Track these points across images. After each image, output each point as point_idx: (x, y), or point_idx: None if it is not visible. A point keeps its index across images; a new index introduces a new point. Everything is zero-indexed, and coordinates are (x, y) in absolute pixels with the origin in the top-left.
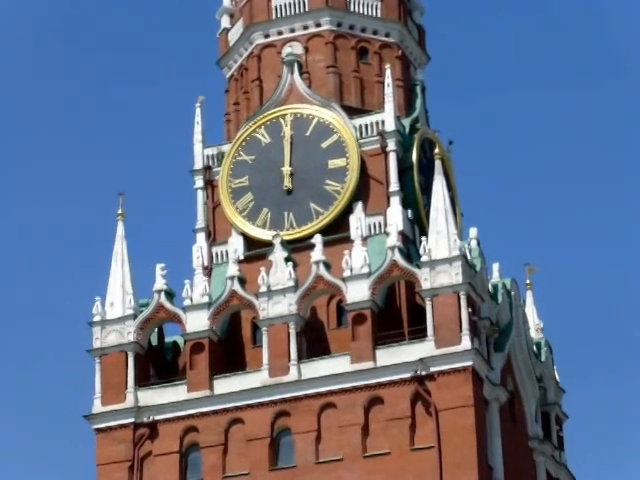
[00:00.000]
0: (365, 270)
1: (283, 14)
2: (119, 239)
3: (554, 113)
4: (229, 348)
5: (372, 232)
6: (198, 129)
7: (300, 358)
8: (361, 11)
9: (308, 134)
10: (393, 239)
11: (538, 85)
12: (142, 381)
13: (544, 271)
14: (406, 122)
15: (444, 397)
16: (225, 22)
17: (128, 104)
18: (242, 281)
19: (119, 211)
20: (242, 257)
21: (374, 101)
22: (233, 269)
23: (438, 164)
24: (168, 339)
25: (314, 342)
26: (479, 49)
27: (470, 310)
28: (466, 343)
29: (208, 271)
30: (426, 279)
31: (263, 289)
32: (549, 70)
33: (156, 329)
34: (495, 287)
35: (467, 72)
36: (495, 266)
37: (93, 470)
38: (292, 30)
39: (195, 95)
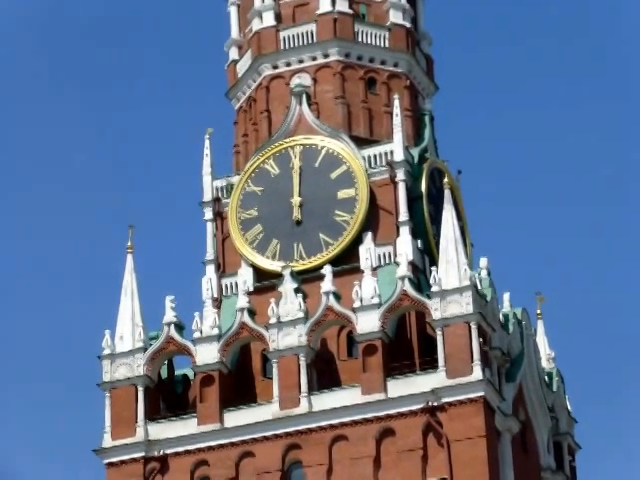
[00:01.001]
0: (375, 300)
1: (291, 45)
2: (128, 272)
3: (564, 140)
4: (239, 380)
5: (382, 262)
6: (207, 161)
7: (311, 390)
8: (369, 41)
9: (317, 165)
10: (403, 269)
11: (548, 113)
12: (152, 414)
13: (555, 300)
14: (415, 152)
15: (456, 428)
16: (233, 54)
17: (137, 136)
18: (252, 313)
19: (129, 243)
20: (252, 288)
21: (383, 131)
22: (243, 301)
23: (447, 193)
24: (178, 372)
25: (324, 373)
26: (487, 78)
27: (481, 340)
28: (477, 373)
29: (218, 303)
30: (437, 309)
31: (273, 320)
32: (561, 97)
33: (166, 362)
34: (506, 317)
35: (476, 101)
36: (506, 296)
37: None
38: (300, 61)
39: (204, 127)
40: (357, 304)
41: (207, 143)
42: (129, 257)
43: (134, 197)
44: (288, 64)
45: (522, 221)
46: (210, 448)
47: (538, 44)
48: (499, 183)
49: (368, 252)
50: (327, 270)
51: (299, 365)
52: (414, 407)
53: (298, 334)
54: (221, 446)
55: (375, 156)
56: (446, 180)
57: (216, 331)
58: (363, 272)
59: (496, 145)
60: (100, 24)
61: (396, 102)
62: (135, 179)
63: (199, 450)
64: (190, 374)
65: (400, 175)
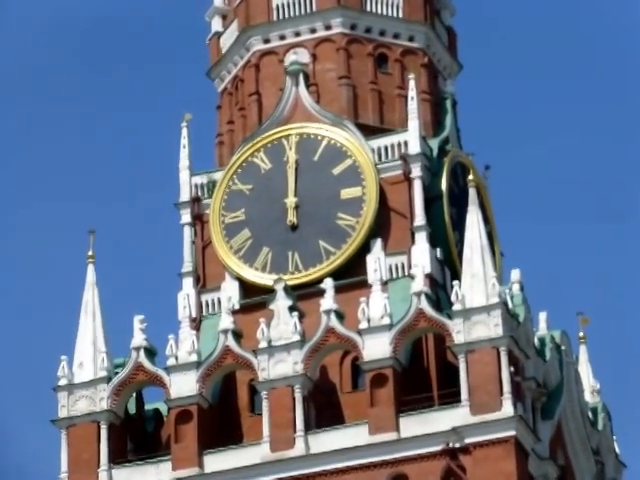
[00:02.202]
0: (386, 321)
1: (286, 15)
2: (89, 286)
3: (613, 130)
4: (222, 417)
5: (394, 275)
6: (184, 153)
7: (308, 428)
8: (379, 11)
9: (316, 159)
10: (419, 283)
11: (592, 99)
12: (118, 457)
13: (600, 322)
14: (434, 143)
15: (482, 474)
16: (216, 25)
17: (99, 123)
18: (238, 335)
19: (89, 252)
20: (238, 306)
21: (395, 118)
22: (227, 321)
23: (472, 193)
24: (148, 406)
25: (325, 409)
26: (521, 55)
27: (512, 369)
28: (508, 409)
29: (197, 324)
30: (459, 332)
31: (263, 345)
32: (605, 82)
33: (134, 394)
34: (542, 341)
35: (506, 83)
36: (542, 316)
37: None
38: (297, 34)
39: (180, 113)
40: (364, 325)
41: (184, 132)
42: (90, 268)
43: (96, 197)
44: (282, 37)
45: (562, 228)
46: None
47: (580, 13)
48: (534, 182)
49: (377, 263)
50: (328, 284)
51: (294, 398)
52: (432, 449)
53: (293, 361)
54: None
55: (386, 148)
56: (471, 177)
57: (194, 357)
58: (371, 287)
59: (531, 136)
60: None
61: (411, 83)
62: (97, 175)
63: None
64: (163, 409)
65: (416, 171)
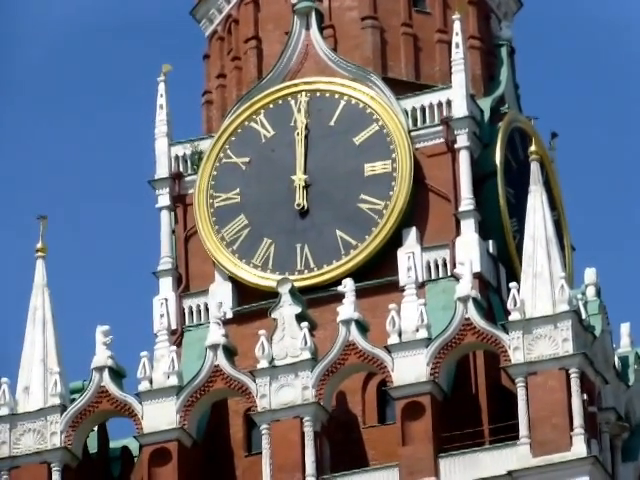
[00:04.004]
0: (422, 334)
1: None
2: (38, 287)
3: None
4: (210, 457)
5: (432, 275)
6: (162, 116)
7: (321, 472)
8: None
9: (332, 123)
10: (465, 286)
11: None
12: None
13: None
14: (485, 104)
15: None
16: None
17: (52, 78)
18: (230, 352)
19: (38, 245)
20: (231, 315)
21: (435, 72)
22: (216, 334)
23: (535, 168)
24: (114, 443)
25: (343, 447)
26: None
27: (586, 397)
28: (579, 448)
29: (177, 337)
30: (517, 348)
31: (263, 364)
32: None
33: (96, 428)
34: (624, 361)
35: (581, 26)
36: (624, 328)
37: None
38: None
39: (158, 63)
40: (394, 339)
41: (161, 87)
42: (39, 264)
43: (47, 174)
44: None
45: None
46: None
47: None
48: (615, 155)
49: (411, 259)
50: (348, 287)
51: (303, 434)
52: None
53: (302, 386)
54: None
55: (423, 110)
56: (533, 148)
57: (174, 381)
58: (403, 290)
59: (613, 95)
60: None
61: (456, 26)
62: (47, 145)
63: None
64: (133, 447)
65: (462, 140)
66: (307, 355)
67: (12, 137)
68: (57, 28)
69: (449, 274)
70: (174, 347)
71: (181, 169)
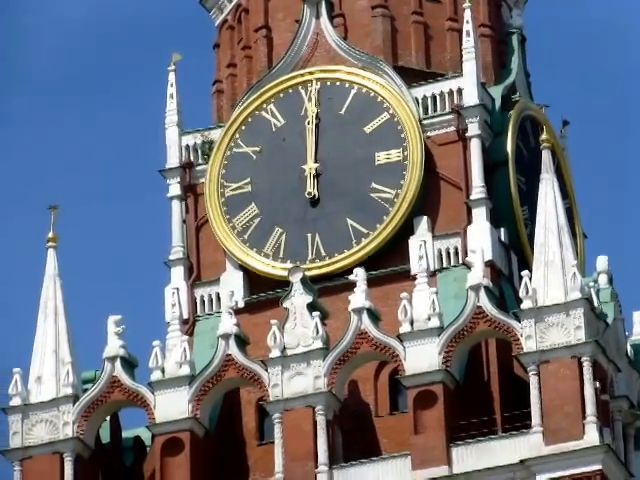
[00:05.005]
0: (434, 323)
1: None
2: (50, 278)
3: None
4: (222, 446)
5: (444, 264)
6: (172, 105)
7: (333, 461)
8: None
9: (343, 112)
10: (477, 274)
11: None
12: None
13: None
14: (496, 92)
15: None
16: None
17: (64, 68)
18: (242, 341)
19: (49, 234)
20: (242, 304)
21: (446, 60)
22: (228, 323)
23: (547, 156)
24: (127, 433)
25: (355, 436)
26: None
27: (598, 385)
28: (592, 436)
29: (189, 327)
30: (530, 337)
31: (275, 353)
32: None
33: (108, 418)
34: (637, 348)
35: (593, 14)
36: (637, 316)
37: None
38: None
39: (167, 52)
40: (406, 328)
41: (171, 77)
42: (50, 254)
43: (57, 163)
44: None
45: None
46: None
47: None
48: (627, 142)
49: (422, 248)
50: (359, 276)
51: (315, 423)
52: None
53: (314, 375)
54: None
55: (434, 98)
56: (545, 136)
57: (186, 370)
58: (415, 279)
59: (623, 83)
60: None
61: (467, 14)
62: (59, 136)
63: None
64: (146, 436)
65: (473, 128)
66: (319, 344)
67: (24, 128)
68: (69, 17)
69: (461, 262)
70: (186, 337)
71: (192, 158)
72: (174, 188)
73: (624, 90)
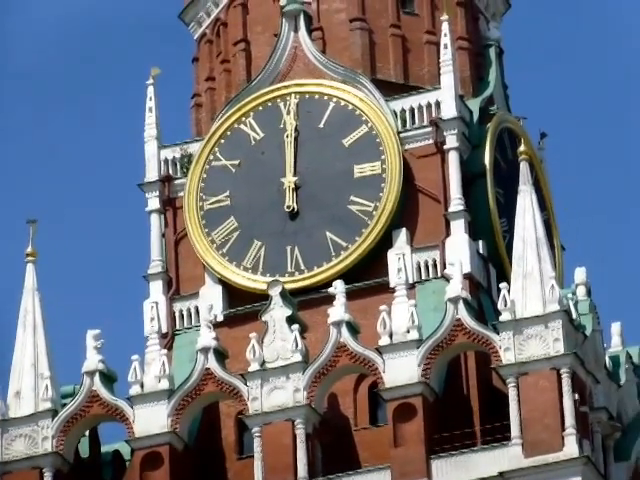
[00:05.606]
0: (413, 336)
1: None
2: (28, 292)
3: None
4: (202, 460)
5: (423, 276)
6: (151, 119)
7: (313, 475)
8: None
9: (322, 125)
10: (456, 287)
11: None
12: None
13: None
14: (474, 104)
15: None
16: None
17: (43, 82)
18: (221, 355)
19: (28, 249)
20: (221, 318)
21: (424, 73)
22: (207, 337)
23: (524, 169)
24: (106, 448)
25: (334, 449)
26: None
27: (577, 397)
28: (571, 448)
29: (168, 341)
30: (508, 349)
31: (254, 367)
32: None
33: (87, 433)
34: (615, 360)
35: (567, 26)
36: (615, 327)
37: None
38: None
39: (146, 67)
40: (385, 341)
41: (150, 91)
42: (29, 269)
43: (37, 178)
44: None
45: (638, 214)
46: None
47: None
48: (605, 154)
49: (401, 260)
50: (338, 288)
51: (295, 436)
52: None
53: (293, 388)
54: None
55: (412, 111)
56: (522, 148)
57: (165, 384)
58: (394, 291)
59: (600, 94)
60: None
61: (445, 27)
62: (38, 149)
63: None
64: (125, 451)
65: (451, 140)
66: (298, 357)
67: (1, 141)
68: (46, 30)
69: (439, 275)
70: (165, 350)
71: (171, 172)
72: (153, 202)
73: (602, 103)
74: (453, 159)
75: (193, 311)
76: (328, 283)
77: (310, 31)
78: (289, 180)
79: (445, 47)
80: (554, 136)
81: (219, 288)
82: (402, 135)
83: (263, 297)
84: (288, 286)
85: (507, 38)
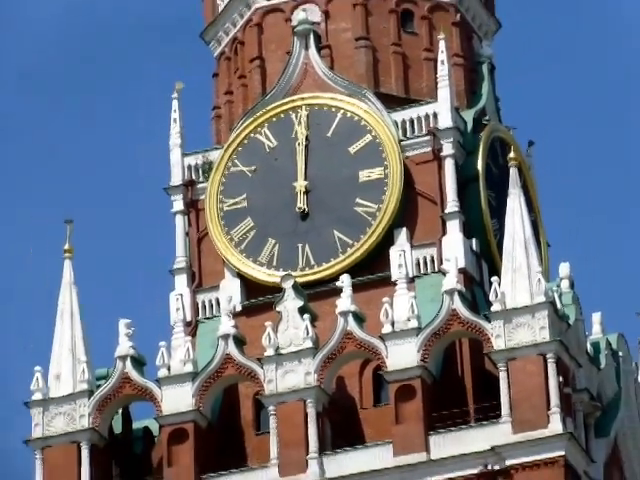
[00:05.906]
0: (413, 324)
1: None
2: (66, 286)
3: None
4: (223, 436)
5: (421, 271)
6: (175, 129)
7: (322, 449)
8: None
9: (330, 134)
10: (451, 280)
11: None
12: None
13: None
14: (468, 115)
15: None
16: None
17: (76, 96)
18: (240, 342)
19: (66, 246)
20: (239, 308)
21: (422, 87)
22: (227, 325)
23: (514, 174)
24: (137, 424)
25: (342, 426)
26: (570, 9)
27: (561, 379)
28: (556, 425)
29: (192, 328)
30: (499, 336)
31: (269, 352)
32: None
33: (120, 411)
34: (596, 346)
35: (555, 44)
36: (596, 317)
37: None
38: None
39: (171, 82)
40: (387, 329)
41: (175, 104)
42: (67, 265)
43: (73, 182)
44: None
45: (618, 214)
46: None
47: None
48: (587, 161)
49: (402, 256)
50: (345, 282)
51: (306, 414)
52: (467, 472)
53: (305, 371)
54: None
55: (412, 121)
56: (512, 155)
57: (190, 367)
58: (395, 284)
59: (584, 106)
60: None
61: (441, 45)
62: (74, 156)
63: None
64: (154, 427)
65: (447, 148)
66: (309, 344)
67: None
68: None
69: (437, 270)
70: (189, 337)
71: (193, 177)
72: (177, 204)
73: (585, 113)
74: (449, 165)
75: (214, 302)
76: (336, 277)
77: (319, 49)
78: (300, 184)
79: (442, 63)
80: (541, 144)
81: (237, 281)
82: (403, 143)
83: (277, 289)
84: (299, 280)
85: (498, 55)
